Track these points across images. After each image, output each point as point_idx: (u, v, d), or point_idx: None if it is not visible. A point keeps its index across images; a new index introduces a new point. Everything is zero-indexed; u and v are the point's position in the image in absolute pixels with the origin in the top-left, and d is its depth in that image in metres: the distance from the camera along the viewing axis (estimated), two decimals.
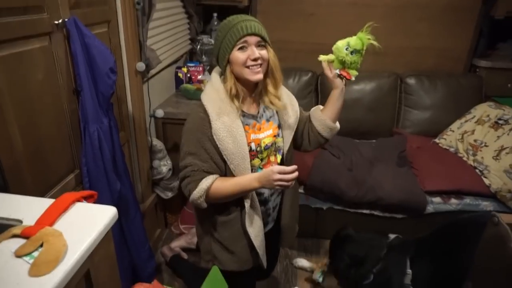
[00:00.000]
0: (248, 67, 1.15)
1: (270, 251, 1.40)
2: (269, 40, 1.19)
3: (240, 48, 1.14)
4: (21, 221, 0.88)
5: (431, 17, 2.72)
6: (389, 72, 2.75)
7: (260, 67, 1.16)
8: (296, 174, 1.12)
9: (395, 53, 2.82)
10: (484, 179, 2.12)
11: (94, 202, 1.04)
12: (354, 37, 1.22)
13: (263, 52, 1.16)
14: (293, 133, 1.33)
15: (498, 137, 2.23)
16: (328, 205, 2.24)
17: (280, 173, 1.10)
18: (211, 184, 1.18)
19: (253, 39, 1.14)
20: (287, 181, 1.11)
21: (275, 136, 1.29)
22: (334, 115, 1.36)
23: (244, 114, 1.23)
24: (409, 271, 1.48)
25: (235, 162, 1.17)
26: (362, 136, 2.70)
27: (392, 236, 1.69)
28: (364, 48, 1.23)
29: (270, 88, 1.23)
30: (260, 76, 1.17)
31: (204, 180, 1.18)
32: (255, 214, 1.27)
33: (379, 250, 1.61)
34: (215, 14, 2.78)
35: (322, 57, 1.31)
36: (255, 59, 1.14)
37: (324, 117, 1.35)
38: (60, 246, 0.79)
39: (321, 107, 1.41)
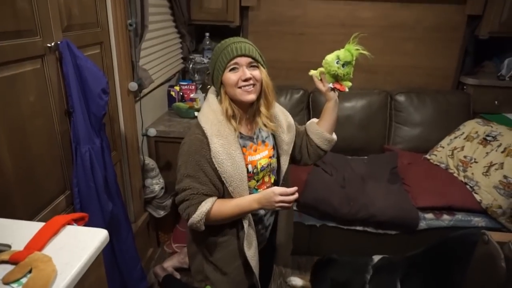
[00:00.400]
0: (240, 87, 1.15)
1: (263, 270, 1.39)
2: (262, 61, 1.19)
3: (232, 69, 1.15)
4: (9, 246, 0.86)
5: (418, 37, 2.80)
6: (379, 89, 2.80)
7: (253, 87, 1.16)
8: (296, 195, 1.13)
9: (384, 71, 2.89)
10: (475, 195, 2.14)
11: (85, 224, 1.03)
12: (342, 50, 1.23)
13: (255, 73, 1.16)
14: (290, 151, 1.33)
15: (487, 153, 2.27)
16: (321, 222, 2.24)
17: (281, 194, 1.12)
18: (211, 207, 1.17)
19: (244, 60, 1.15)
20: (289, 202, 1.13)
21: (270, 157, 1.29)
22: (330, 127, 1.37)
23: (241, 136, 1.22)
24: None
25: (234, 184, 1.17)
26: (354, 152, 2.72)
27: (376, 258, 1.66)
28: (354, 58, 1.23)
29: (262, 109, 1.23)
30: (253, 96, 1.17)
31: (203, 203, 1.17)
32: (251, 234, 1.26)
33: (364, 274, 1.57)
34: (207, 34, 2.82)
35: (312, 72, 1.32)
36: (246, 79, 1.14)
37: (321, 130, 1.36)
38: (49, 271, 0.77)
39: (316, 120, 1.41)
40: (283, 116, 1.34)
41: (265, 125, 1.24)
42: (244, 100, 1.17)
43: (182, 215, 1.22)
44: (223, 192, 1.22)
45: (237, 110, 1.20)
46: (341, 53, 1.23)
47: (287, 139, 1.31)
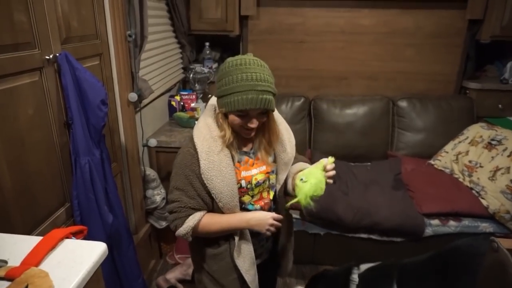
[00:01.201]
0: (242, 127, 1.13)
1: (265, 284, 1.36)
2: (274, 107, 1.11)
3: (241, 115, 1.10)
4: (6, 262, 0.84)
5: (419, 43, 2.79)
6: (381, 95, 2.79)
7: (255, 128, 1.14)
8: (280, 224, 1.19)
9: (385, 77, 2.88)
10: (482, 200, 2.11)
11: (85, 237, 1.01)
12: (316, 182, 1.13)
13: (263, 118, 1.13)
14: (288, 171, 1.30)
15: (493, 157, 2.24)
16: (325, 230, 2.21)
17: (274, 219, 1.16)
18: (198, 221, 1.17)
19: (256, 111, 1.09)
20: (277, 228, 1.17)
21: (268, 172, 1.26)
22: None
23: (236, 150, 1.20)
24: None
25: (224, 201, 1.16)
26: (357, 159, 2.70)
27: (364, 266, 1.60)
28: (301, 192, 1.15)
29: (263, 140, 1.22)
30: (252, 134, 1.16)
31: (191, 217, 1.17)
32: (245, 248, 1.25)
33: (349, 284, 1.53)
34: (207, 44, 2.83)
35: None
36: (251, 128, 1.12)
37: (289, 183, 1.32)
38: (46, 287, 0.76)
39: (302, 166, 1.32)
40: (287, 135, 1.30)
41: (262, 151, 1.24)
42: (243, 136, 1.18)
43: (170, 226, 1.22)
44: (213, 207, 1.21)
45: (236, 134, 1.18)
46: (311, 178, 1.13)
47: (286, 159, 1.28)
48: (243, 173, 1.20)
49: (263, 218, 1.17)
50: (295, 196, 1.18)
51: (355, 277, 1.55)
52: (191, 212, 1.17)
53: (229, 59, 1.11)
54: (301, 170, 1.29)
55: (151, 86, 2.10)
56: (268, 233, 1.18)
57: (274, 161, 1.29)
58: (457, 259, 1.24)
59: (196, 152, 1.13)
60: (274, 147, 1.25)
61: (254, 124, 1.11)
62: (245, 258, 1.25)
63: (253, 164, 1.23)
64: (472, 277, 1.07)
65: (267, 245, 1.38)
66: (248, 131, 1.14)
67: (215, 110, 1.20)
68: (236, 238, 1.22)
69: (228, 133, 1.14)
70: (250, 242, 1.25)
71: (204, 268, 1.31)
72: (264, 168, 1.24)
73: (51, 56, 1.25)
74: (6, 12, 1.07)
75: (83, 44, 1.50)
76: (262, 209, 1.27)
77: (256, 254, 1.29)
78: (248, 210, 1.25)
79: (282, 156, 1.28)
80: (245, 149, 1.24)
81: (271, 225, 1.16)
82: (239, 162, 1.20)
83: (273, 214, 1.17)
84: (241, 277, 1.26)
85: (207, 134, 1.15)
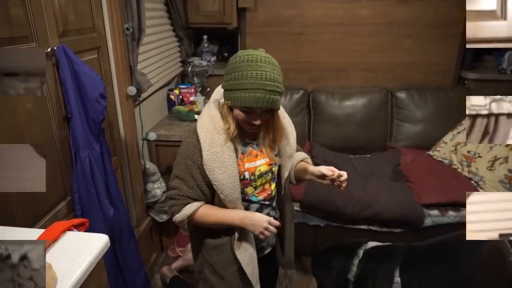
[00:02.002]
0: (247, 122, 1.14)
1: (266, 277, 1.37)
2: (280, 105, 1.14)
3: (246, 111, 1.11)
4: None
5: (417, 33, 2.78)
6: (379, 87, 2.79)
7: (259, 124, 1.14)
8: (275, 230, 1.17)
9: (384, 68, 2.87)
10: (480, 190, 2.12)
11: (86, 230, 1.02)
12: None
13: (267, 115, 1.14)
14: (291, 163, 1.31)
15: (491, 147, 2.24)
16: (325, 222, 2.22)
17: (270, 223, 1.14)
18: (194, 211, 1.19)
19: (261, 109, 1.09)
20: (271, 232, 1.15)
21: (271, 164, 1.26)
22: (298, 176, 1.39)
23: (240, 142, 1.21)
24: (397, 279, 1.43)
25: (225, 192, 1.16)
26: (356, 151, 2.71)
27: (371, 244, 1.64)
28: None
29: (267, 138, 1.22)
30: (256, 130, 1.17)
31: (188, 206, 1.19)
32: (246, 241, 1.25)
33: (352, 258, 1.56)
34: (205, 37, 2.82)
35: None
36: (254, 124, 1.13)
37: (291, 173, 1.38)
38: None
39: (301, 156, 1.41)
40: (290, 128, 1.32)
41: (267, 146, 1.24)
42: (246, 131, 1.18)
43: (168, 211, 1.26)
44: (213, 199, 1.22)
45: (240, 128, 1.19)
46: None
47: (289, 151, 1.30)
48: (247, 165, 1.21)
49: (258, 219, 1.15)
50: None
51: (360, 252, 1.58)
52: (188, 201, 1.19)
53: (241, 52, 1.11)
54: (303, 160, 1.38)
55: (149, 80, 2.09)
56: (261, 236, 1.15)
57: (277, 155, 1.30)
58: (460, 246, 1.26)
59: (199, 143, 1.14)
60: (278, 144, 1.26)
61: (257, 122, 1.12)
62: (246, 252, 1.25)
63: (257, 155, 1.24)
64: (474, 264, 1.09)
65: (269, 239, 1.39)
66: (251, 126, 1.15)
67: (219, 102, 1.20)
68: (237, 231, 1.23)
69: (233, 126, 1.14)
70: (251, 235, 1.25)
71: (205, 259, 1.32)
72: (268, 159, 1.25)
73: (48, 50, 1.25)
74: (3, 6, 1.06)
75: (80, 37, 1.49)
76: (264, 200, 1.28)
77: (258, 248, 1.31)
78: (252, 202, 1.27)
79: (286, 149, 1.29)
80: (248, 140, 1.24)
81: (266, 229, 1.14)
82: (243, 154, 1.21)
83: (270, 219, 1.15)
84: (242, 270, 1.27)
85: (211, 125, 1.15)
